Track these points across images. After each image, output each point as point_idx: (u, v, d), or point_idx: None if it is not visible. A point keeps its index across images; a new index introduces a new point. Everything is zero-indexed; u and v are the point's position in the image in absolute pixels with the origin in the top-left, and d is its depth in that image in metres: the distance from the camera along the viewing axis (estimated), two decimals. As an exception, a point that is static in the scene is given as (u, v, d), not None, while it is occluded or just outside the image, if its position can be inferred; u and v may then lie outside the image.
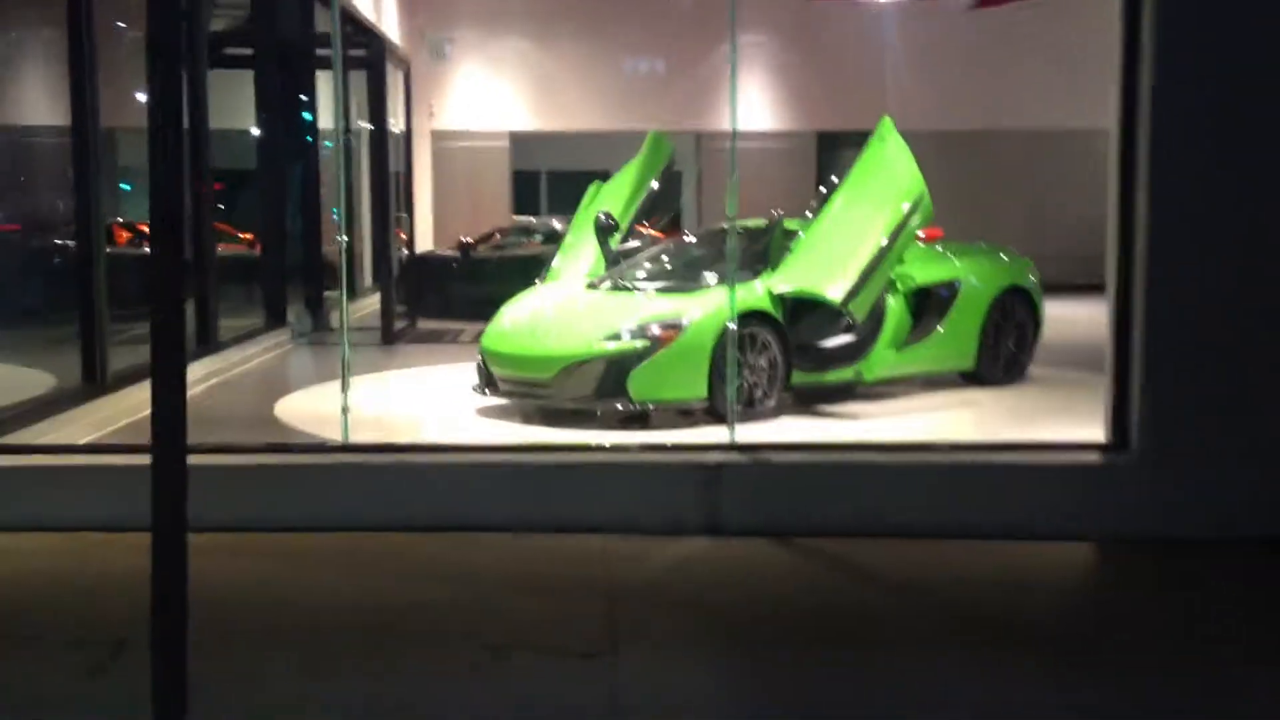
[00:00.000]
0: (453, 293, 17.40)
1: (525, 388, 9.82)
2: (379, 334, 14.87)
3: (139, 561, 4.23)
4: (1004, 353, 11.40)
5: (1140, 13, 7.11)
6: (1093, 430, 7.59)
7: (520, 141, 23.23)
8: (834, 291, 9.70)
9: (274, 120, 15.28)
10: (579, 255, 11.45)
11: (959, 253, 11.55)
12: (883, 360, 10.59)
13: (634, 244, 11.58)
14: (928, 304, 10.97)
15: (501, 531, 7.05)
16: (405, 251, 17.90)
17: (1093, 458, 7.38)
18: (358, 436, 7.91)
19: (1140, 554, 6.91)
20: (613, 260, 11.19)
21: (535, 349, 9.77)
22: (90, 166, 9.08)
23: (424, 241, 20.01)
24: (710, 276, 10.36)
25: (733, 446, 7.55)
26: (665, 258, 11.26)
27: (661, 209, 12.38)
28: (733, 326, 8.96)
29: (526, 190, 24.81)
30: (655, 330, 9.52)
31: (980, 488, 7.28)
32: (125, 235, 17.45)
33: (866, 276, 9.73)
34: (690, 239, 11.91)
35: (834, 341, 10.55)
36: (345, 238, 14.44)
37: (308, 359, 13.77)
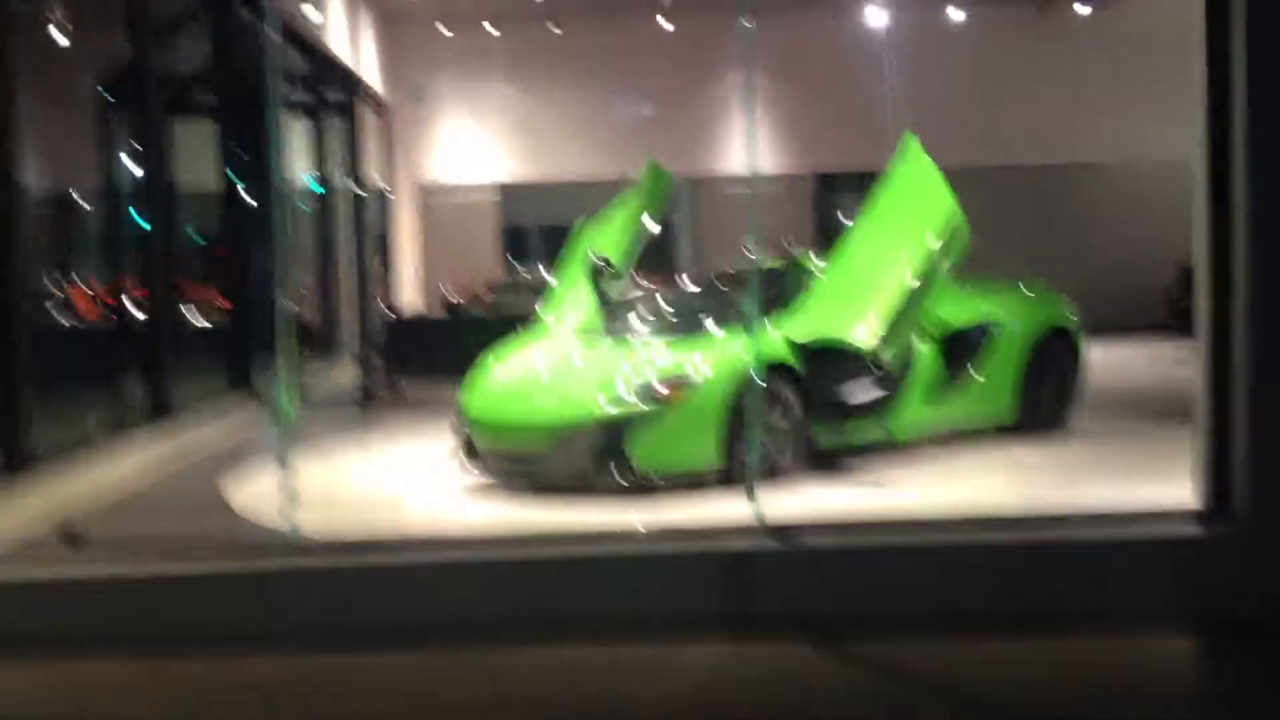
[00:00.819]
0: (440, 355, 16.17)
1: (515, 463, 8.56)
2: (360, 400, 13.62)
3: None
4: (1045, 402, 10.18)
5: (1229, 31, 5.99)
6: (1168, 491, 6.41)
7: (511, 195, 22.09)
8: (862, 336, 8.48)
9: (238, 174, 14.11)
10: (570, 304, 10.23)
11: (991, 291, 10.35)
12: (915, 416, 9.37)
13: (637, 293, 10.36)
14: (961, 350, 9.75)
15: (487, 644, 5.80)
16: (389, 313, 16.70)
17: (1189, 529, 6.16)
18: (322, 524, 6.67)
19: (1250, 642, 5.68)
20: (609, 309, 9.97)
21: (527, 415, 8.53)
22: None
23: (409, 298, 18.80)
24: (718, 325, 9.17)
25: (761, 529, 6.31)
26: (668, 305, 10.04)
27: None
28: (754, 379, 7.71)
29: (519, 247, 23.67)
30: (660, 389, 8.29)
31: (1057, 569, 6.05)
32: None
33: (898, 318, 8.51)
34: (690, 285, 10.71)
35: (860, 396, 9.32)
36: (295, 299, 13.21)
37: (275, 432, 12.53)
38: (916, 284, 8.57)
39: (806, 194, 22.46)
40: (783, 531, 6.19)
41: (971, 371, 9.75)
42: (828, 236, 23.13)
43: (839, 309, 8.69)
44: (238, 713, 5.29)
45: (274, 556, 6.19)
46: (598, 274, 9.81)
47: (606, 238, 10.33)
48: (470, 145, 21.44)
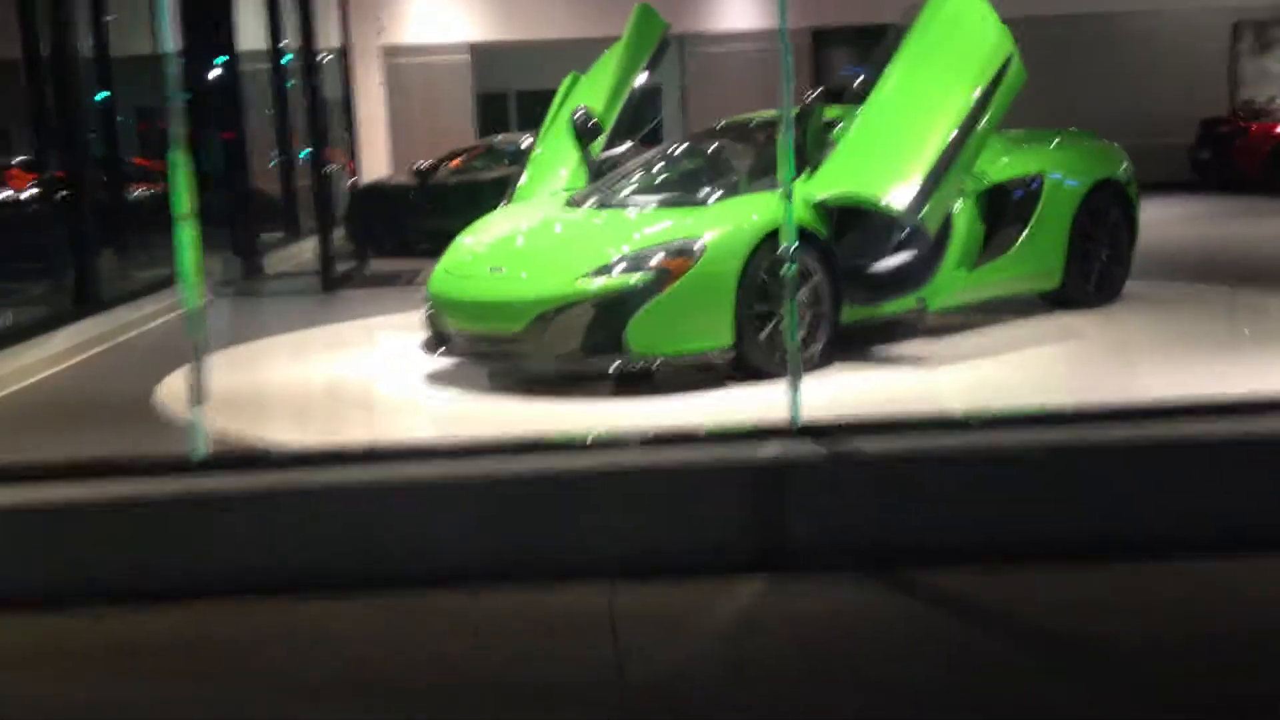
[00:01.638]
0: (408, 227, 14.71)
1: (489, 344, 7.17)
2: (319, 280, 12.15)
3: None
4: (1096, 266, 8.80)
5: None
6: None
7: (484, 57, 20.41)
8: (896, 197, 7.06)
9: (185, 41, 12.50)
10: (554, 167, 8.73)
11: (1038, 140, 8.90)
12: (951, 283, 7.97)
13: (621, 149, 8.85)
14: (1004, 207, 8.34)
15: (457, 586, 4.48)
16: (351, 182, 15.16)
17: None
18: (259, 431, 5.33)
19: None
20: (596, 171, 8.51)
21: (501, 292, 7.10)
22: None
23: (378, 171, 17.24)
24: (723, 187, 7.75)
25: (797, 430, 4.93)
26: (664, 165, 8.58)
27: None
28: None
29: (493, 114, 22.00)
30: (659, 259, 6.88)
31: (1192, 472, 4.72)
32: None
33: (938, 174, 7.08)
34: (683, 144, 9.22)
35: (889, 262, 7.93)
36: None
37: (228, 314, 11.07)
38: (962, 132, 7.14)
39: (803, 52, 20.82)
40: (825, 433, 4.82)
41: (1015, 231, 8.35)
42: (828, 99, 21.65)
43: (871, 163, 7.26)
44: (126, 687, 3.97)
45: (176, 476, 4.81)
46: (583, 132, 8.32)
47: (592, 93, 8.80)
48: (438, 1, 19.72)
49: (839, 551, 4.55)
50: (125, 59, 14.07)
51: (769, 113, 8.98)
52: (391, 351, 8.39)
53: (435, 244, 14.50)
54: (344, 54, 14.21)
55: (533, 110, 22.58)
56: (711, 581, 4.46)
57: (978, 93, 7.20)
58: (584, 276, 6.88)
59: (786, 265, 5.36)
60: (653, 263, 6.85)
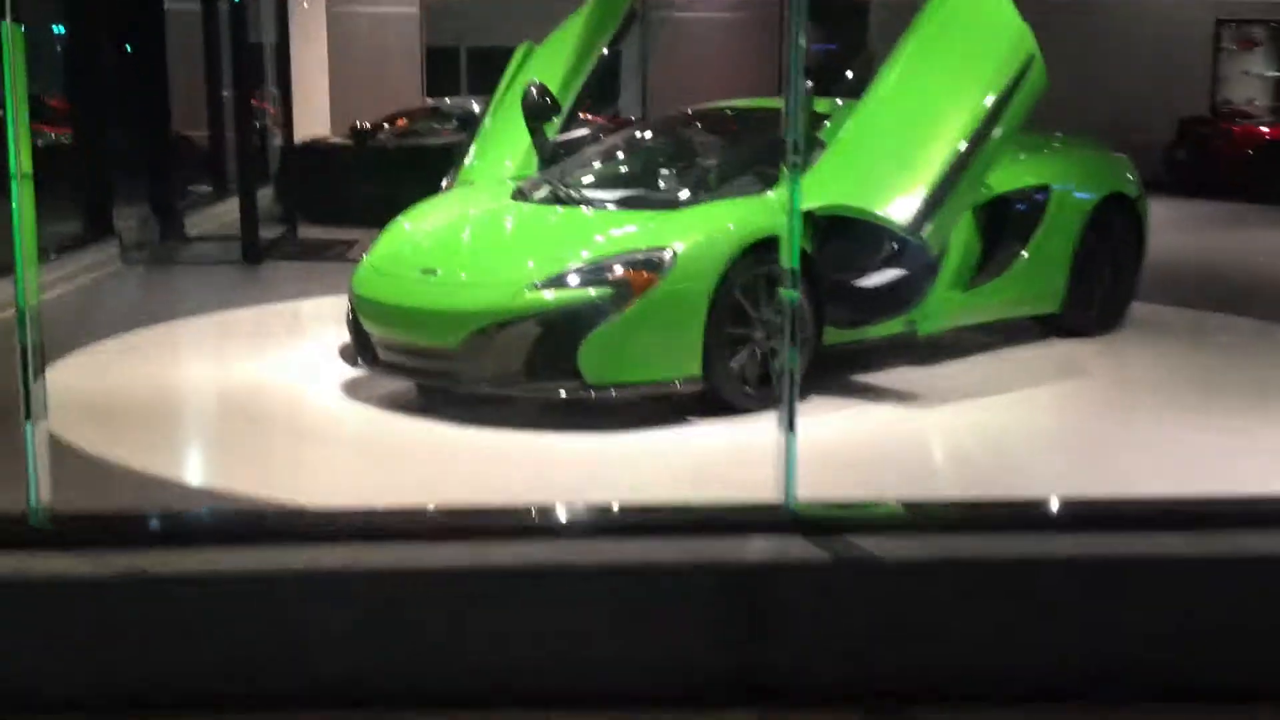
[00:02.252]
0: (345, 192, 13.54)
1: (418, 360, 6.10)
2: (240, 248, 10.99)
3: None
4: (1099, 290, 7.87)
5: None
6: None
7: (434, 9, 19.19)
8: (896, 210, 6.09)
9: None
10: (502, 149, 7.63)
11: (1043, 146, 7.94)
12: (944, 305, 7.01)
13: (580, 132, 7.75)
14: (1005, 222, 7.38)
15: (333, 707, 3.47)
16: (280, 140, 13.95)
17: None
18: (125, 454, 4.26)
19: None
20: (549, 155, 7.45)
21: (433, 299, 6.02)
22: None
23: (314, 129, 16.02)
24: (694, 186, 6.74)
25: (791, 518, 3.92)
26: (627, 155, 7.53)
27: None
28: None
29: (443, 72, 20.77)
30: (620, 270, 5.86)
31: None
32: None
33: (945, 187, 6.11)
34: (650, 129, 8.14)
35: (877, 280, 6.95)
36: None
37: (133, 287, 9.88)
38: (974, 141, 6.16)
39: (773, 27, 19.75)
40: (828, 529, 3.82)
41: (1015, 248, 7.41)
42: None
43: (867, 170, 6.27)
44: None
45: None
46: (536, 111, 7.25)
47: (549, 66, 7.69)
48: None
49: (841, 683, 3.59)
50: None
51: (748, 101, 7.96)
52: (307, 350, 7.29)
53: (371, 212, 13.40)
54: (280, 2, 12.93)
55: (485, 69, 21.41)
56: (674, 716, 3.49)
57: (992, 97, 6.22)
58: (531, 287, 5.84)
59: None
60: (613, 274, 5.83)
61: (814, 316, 6.31)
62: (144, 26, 12.80)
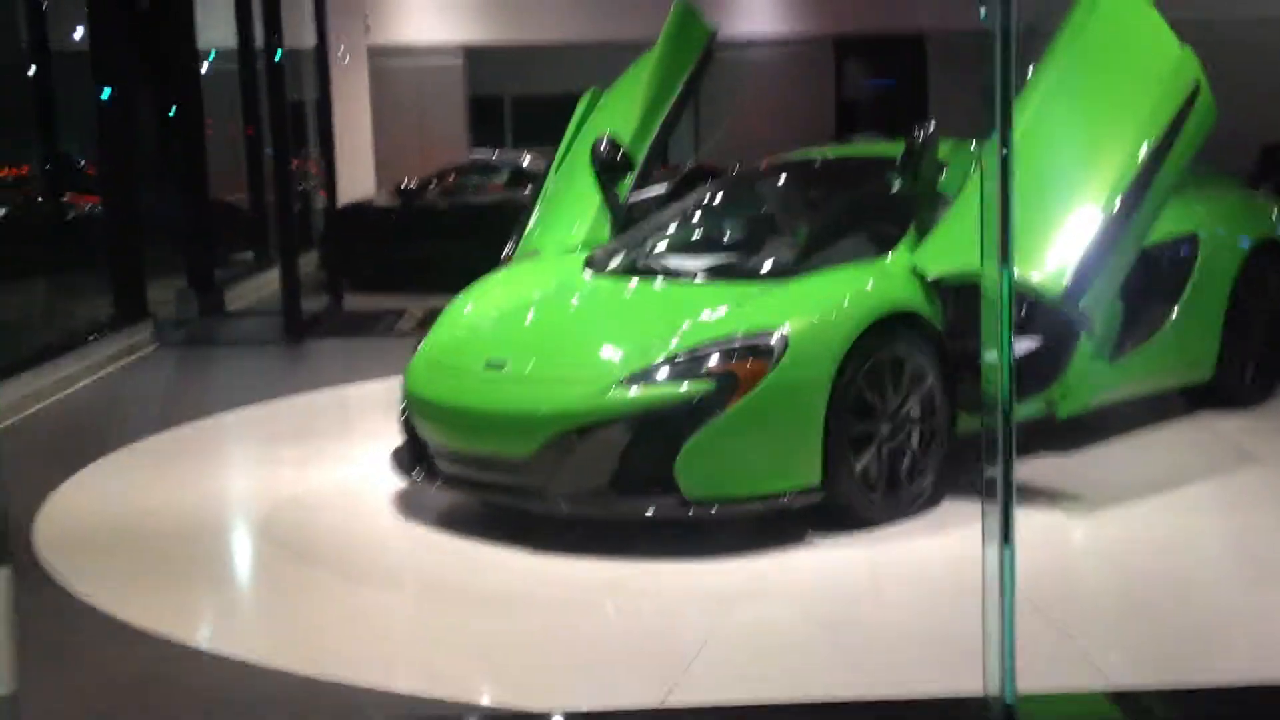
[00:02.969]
0: (393, 256, 12.67)
1: (484, 471, 5.09)
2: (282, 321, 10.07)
3: None
4: (1253, 352, 6.79)
5: None
6: None
7: (478, 59, 18.33)
8: (1050, 276, 5.03)
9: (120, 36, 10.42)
10: (569, 211, 6.64)
11: (1189, 188, 6.86)
12: (1088, 379, 5.91)
13: (656, 190, 6.75)
14: (1152, 277, 6.31)
15: None
16: (323, 204, 13.08)
17: None
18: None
19: None
20: (623, 217, 6.46)
21: (501, 399, 5.02)
22: None
23: (360, 189, 15.14)
24: (790, 253, 5.76)
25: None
26: (711, 213, 6.53)
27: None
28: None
29: (487, 120, 19.92)
30: (721, 360, 4.84)
31: None
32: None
33: (1106, 246, 5.07)
34: (732, 183, 7.09)
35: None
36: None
37: (167, 376, 8.93)
38: (1137, 189, 5.12)
39: (824, 63, 18.81)
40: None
41: (1164, 308, 6.35)
42: (852, 115, 19.52)
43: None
44: None
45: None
46: (607, 168, 6.27)
47: (618, 116, 6.70)
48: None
49: None
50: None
51: (842, 148, 6.94)
52: (356, 454, 6.29)
53: (421, 277, 12.58)
54: (320, 53, 12.07)
55: (530, 118, 20.52)
56: None
57: (1154, 135, 5.18)
58: (617, 383, 4.84)
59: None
60: (713, 365, 4.82)
61: (947, 405, 5.28)
62: (179, 86, 11.99)
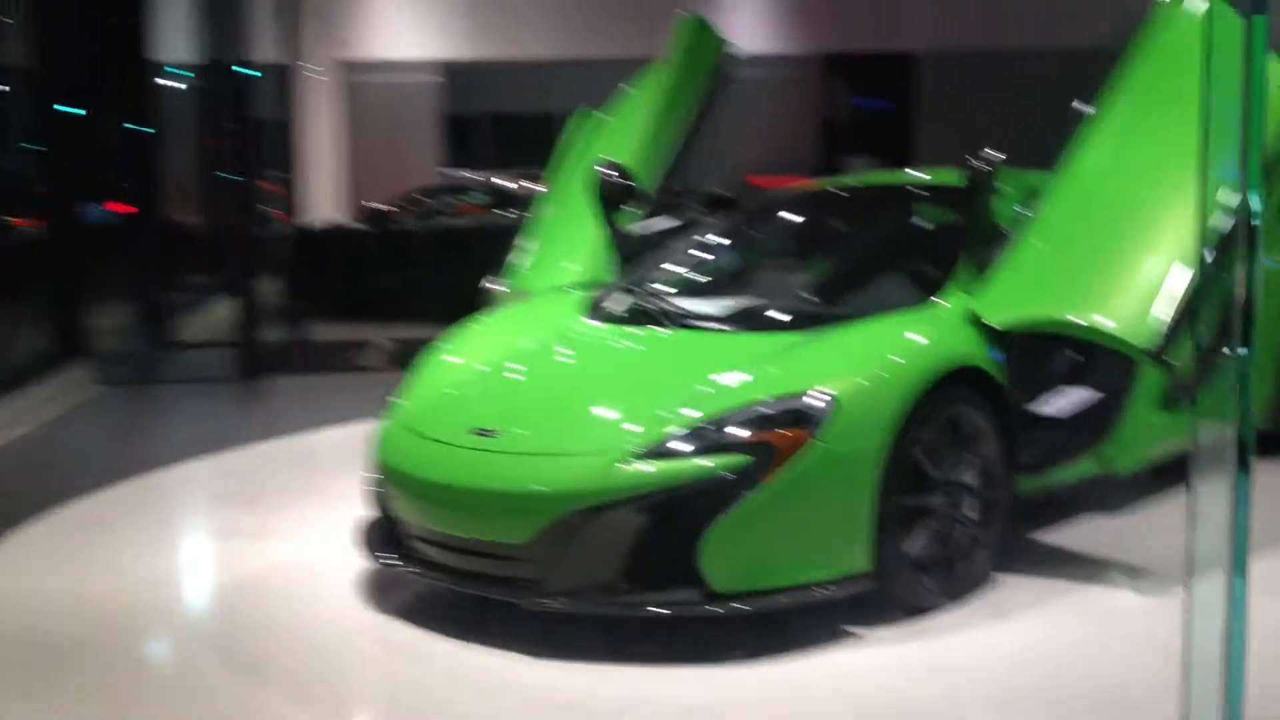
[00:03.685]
0: (364, 283, 11.87)
1: (468, 560, 4.24)
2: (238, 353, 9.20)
3: None
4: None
5: None
6: None
7: (456, 75, 17.53)
8: (1132, 324, 4.27)
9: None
10: (564, 245, 5.83)
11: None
12: (1145, 431, 5.19)
13: (667, 223, 5.92)
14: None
15: None
16: (286, 228, 12.24)
17: None
18: None
19: None
20: (629, 253, 5.65)
21: (492, 474, 4.19)
22: None
23: (324, 210, 14.27)
24: (828, 297, 4.98)
25: None
26: (729, 249, 5.73)
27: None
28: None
29: (464, 139, 19.15)
30: (749, 428, 4.03)
31: None
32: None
33: (1197, 294, 4.30)
34: (762, 214, 6.25)
35: (1062, 403, 5.19)
36: None
37: (108, 423, 8.01)
38: (1223, 226, 4.35)
39: (810, 82, 18.10)
40: None
41: (1225, 348, 5.57)
42: (838, 139, 18.72)
43: (1077, 268, 4.47)
44: None
45: None
46: (612, 197, 5.46)
47: (621, 139, 5.88)
48: (404, 13, 16.85)
49: None
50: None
51: (881, 175, 6.12)
52: (315, 522, 5.45)
53: (393, 306, 11.79)
54: (284, 69, 11.25)
55: (507, 137, 19.73)
56: None
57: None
58: (630, 456, 4.02)
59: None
60: (745, 434, 4.02)
61: (1004, 472, 4.50)
62: (131, 98, 11.10)
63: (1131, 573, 4.60)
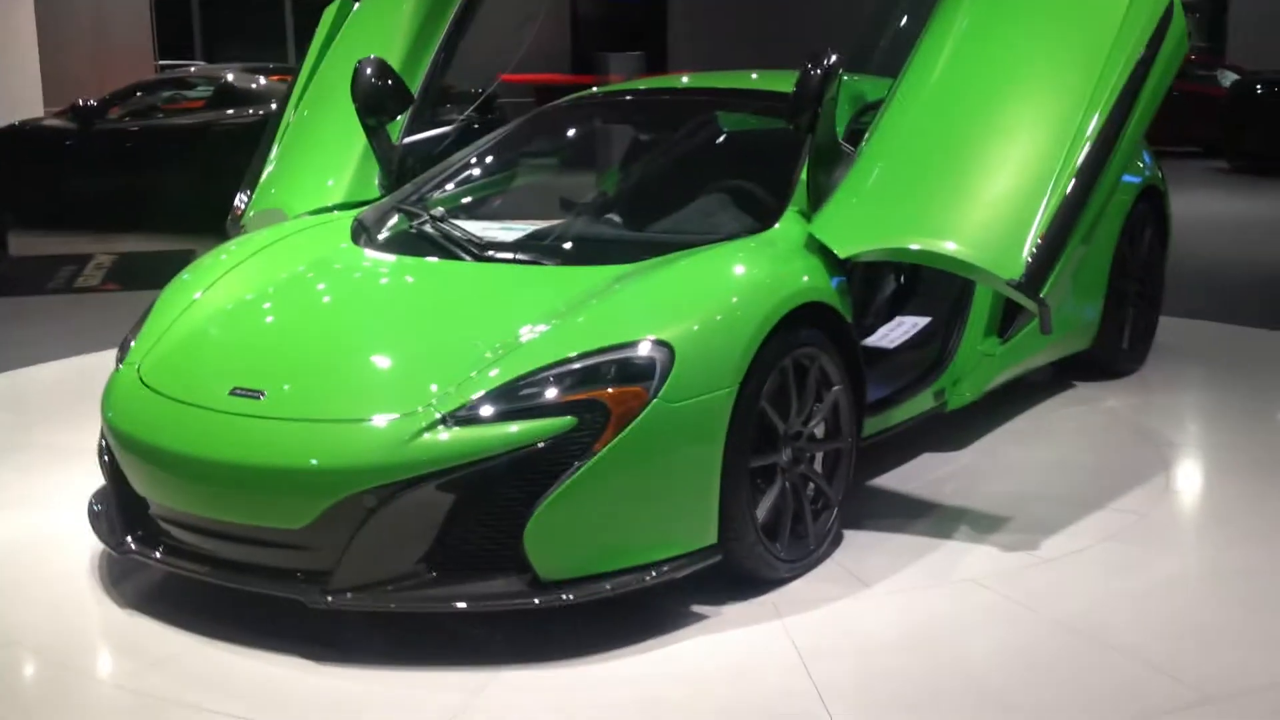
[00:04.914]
0: (70, 188, 10.57)
1: (231, 548, 3.42)
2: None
3: None
4: (1130, 313, 5.81)
5: None
6: None
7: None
8: (997, 254, 3.74)
9: None
10: (320, 157, 4.91)
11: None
12: (980, 363, 4.79)
13: (439, 129, 5.06)
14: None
15: None
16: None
17: None
18: None
19: None
20: (397, 166, 4.82)
21: (257, 446, 3.36)
22: None
23: (26, 109, 12.66)
24: (646, 218, 4.32)
25: None
26: (523, 162, 4.94)
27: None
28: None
29: (176, 26, 17.49)
30: (575, 385, 3.32)
31: None
32: None
33: (1069, 215, 3.81)
34: (562, 114, 5.36)
35: (897, 334, 4.72)
36: None
37: None
38: (1101, 139, 3.86)
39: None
40: None
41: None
42: (591, 34, 17.73)
43: (929, 189, 3.92)
44: None
45: None
46: (374, 101, 4.60)
47: (386, 33, 4.97)
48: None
49: None
50: None
51: (706, 78, 5.33)
52: (34, 488, 4.53)
53: (108, 214, 10.53)
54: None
55: (223, 23, 18.14)
56: None
57: (1120, 72, 3.94)
58: (432, 423, 3.28)
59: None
60: (571, 392, 3.32)
61: (854, 417, 3.96)
62: None
63: (979, 523, 4.15)
